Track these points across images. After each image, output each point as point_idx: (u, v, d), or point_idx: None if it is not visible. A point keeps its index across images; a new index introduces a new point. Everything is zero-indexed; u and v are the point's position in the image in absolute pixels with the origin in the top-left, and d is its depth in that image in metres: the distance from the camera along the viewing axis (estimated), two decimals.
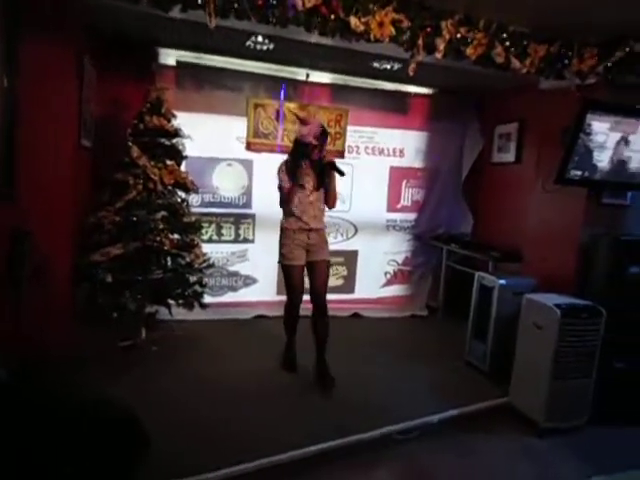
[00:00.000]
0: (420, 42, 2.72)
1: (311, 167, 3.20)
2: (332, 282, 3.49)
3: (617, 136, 3.18)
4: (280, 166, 3.26)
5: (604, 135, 3.15)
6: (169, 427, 2.54)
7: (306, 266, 3.29)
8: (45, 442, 1.53)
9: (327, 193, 3.27)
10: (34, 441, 1.52)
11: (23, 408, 1.64)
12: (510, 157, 4.55)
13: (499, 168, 4.74)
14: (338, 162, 3.22)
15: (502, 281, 3.48)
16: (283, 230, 3.29)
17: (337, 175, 3.20)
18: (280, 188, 3.23)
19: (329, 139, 3.49)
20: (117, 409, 1.86)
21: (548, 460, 2.72)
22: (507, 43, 2.88)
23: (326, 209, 3.35)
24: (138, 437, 1.76)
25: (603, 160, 3.23)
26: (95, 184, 3.59)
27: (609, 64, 3.02)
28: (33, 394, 1.83)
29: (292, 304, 3.34)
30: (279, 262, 3.34)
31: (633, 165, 3.32)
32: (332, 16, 2.53)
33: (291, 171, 3.18)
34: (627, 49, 2.94)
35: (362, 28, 2.61)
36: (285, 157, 3.31)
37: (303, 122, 3.33)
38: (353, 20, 2.57)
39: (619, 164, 3.29)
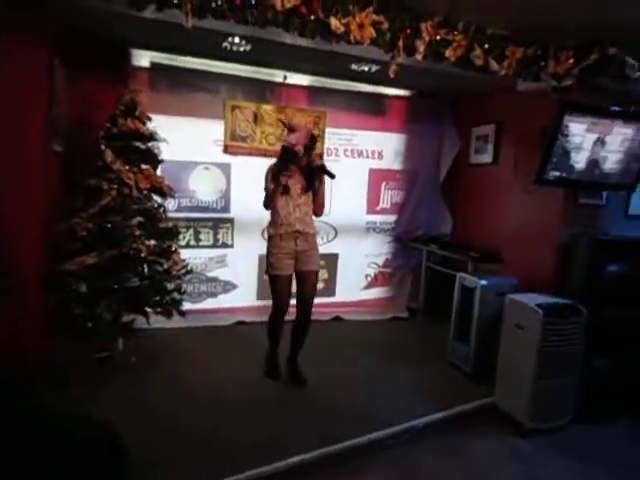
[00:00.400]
0: (400, 44, 2.71)
1: (299, 171, 3.17)
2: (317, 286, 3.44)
3: (593, 137, 3.23)
4: (268, 169, 3.23)
5: (581, 136, 3.20)
6: (149, 438, 2.47)
7: (295, 274, 3.23)
8: (16, 465, 1.43)
9: (315, 198, 3.23)
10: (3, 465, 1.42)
11: None
12: (487, 158, 4.59)
13: (477, 169, 4.78)
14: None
15: (483, 281, 3.50)
16: (270, 238, 3.23)
17: (327, 178, 3.16)
18: (265, 189, 3.20)
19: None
20: (94, 427, 1.77)
21: (535, 461, 2.72)
22: (486, 45, 2.90)
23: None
24: (117, 456, 1.68)
25: (580, 161, 3.28)
26: (67, 190, 3.45)
27: (584, 66, 3.07)
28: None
29: (278, 313, 3.27)
30: (266, 272, 3.27)
31: (608, 166, 3.38)
32: (312, 17, 2.50)
33: (277, 175, 3.14)
34: (602, 52, 2.98)
35: (342, 29, 2.59)
36: (271, 161, 3.29)
37: (291, 129, 3.27)
38: (333, 21, 2.54)
39: (594, 164, 3.34)
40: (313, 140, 3.19)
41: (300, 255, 3.19)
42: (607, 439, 3.01)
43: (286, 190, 3.14)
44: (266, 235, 4.54)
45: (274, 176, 3.15)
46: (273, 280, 3.22)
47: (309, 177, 3.17)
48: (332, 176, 3.14)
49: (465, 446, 2.80)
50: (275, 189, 3.13)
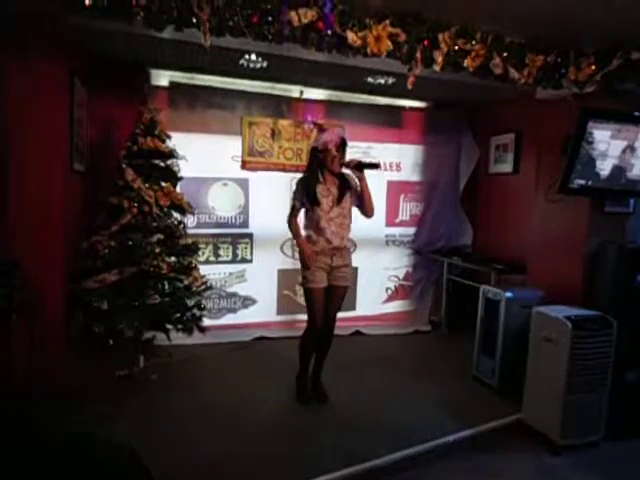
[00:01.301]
0: (418, 55, 2.69)
1: (332, 180, 3.08)
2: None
3: (621, 144, 3.15)
4: (296, 187, 3.13)
5: (606, 143, 3.12)
6: (172, 461, 2.42)
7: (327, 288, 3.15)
8: None
9: (362, 201, 3.11)
10: None
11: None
12: (508, 168, 4.53)
13: (497, 179, 4.71)
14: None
15: (509, 294, 3.41)
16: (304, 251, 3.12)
17: (372, 171, 3.04)
18: (292, 205, 3.10)
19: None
20: (114, 447, 1.74)
21: (566, 479, 2.62)
22: (505, 54, 2.86)
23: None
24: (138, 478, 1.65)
25: (605, 168, 3.20)
26: (88, 209, 3.50)
27: (607, 72, 3.00)
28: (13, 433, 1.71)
29: (313, 327, 3.14)
30: (302, 285, 3.19)
31: (635, 172, 3.29)
32: (329, 31, 2.50)
33: (308, 188, 3.04)
34: (624, 57, 2.92)
35: (359, 43, 2.57)
36: (289, 175, 3.21)
37: (322, 129, 3.22)
38: (350, 35, 2.53)
39: (621, 172, 3.25)
40: (344, 143, 3.06)
41: (334, 270, 3.12)
42: None
43: (316, 202, 3.02)
44: (285, 250, 4.58)
45: (306, 191, 3.04)
46: (308, 293, 3.11)
47: (341, 186, 3.08)
48: (376, 166, 3.03)
49: (494, 464, 2.70)
50: (308, 204, 3.02)
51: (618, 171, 3.24)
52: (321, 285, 3.09)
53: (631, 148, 3.18)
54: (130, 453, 1.78)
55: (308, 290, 3.11)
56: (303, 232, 3.17)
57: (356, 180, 3.11)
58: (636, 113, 3.21)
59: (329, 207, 3.06)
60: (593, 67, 3.00)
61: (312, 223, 3.09)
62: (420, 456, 2.68)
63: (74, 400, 2.87)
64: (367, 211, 3.16)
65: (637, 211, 3.51)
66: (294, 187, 3.19)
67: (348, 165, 3.06)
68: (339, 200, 3.08)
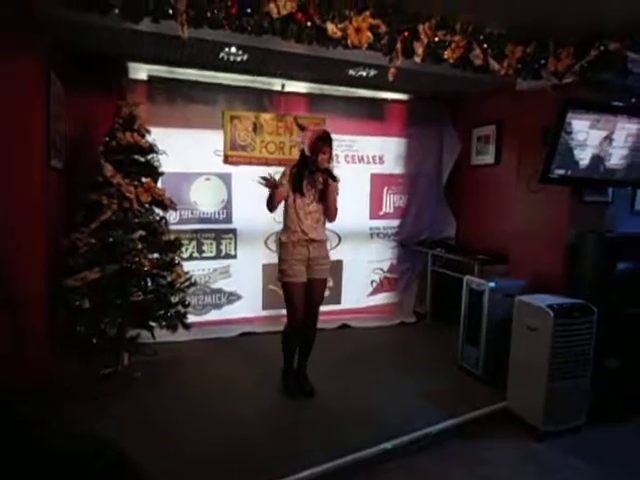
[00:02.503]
0: (398, 47, 2.68)
1: (317, 177, 3.09)
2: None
3: (598, 134, 3.19)
4: (286, 168, 3.19)
5: (584, 133, 3.16)
6: (157, 454, 2.40)
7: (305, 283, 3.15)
8: None
9: (326, 204, 3.13)
10: None
11: None
12: (489, 159, 4.56)
13: (479, 170, 4.75)
14: None
15: (492, 284, 3.45)
16: (282, 244, 3.14)
17: (341, 162, 3.09)
18: (274, 186, 3.04)
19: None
20: (99, 445, 1.71)
21: (551, 464, 2.67)
22: (485, 45, 2.87)
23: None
24: (124, 476, 1.63)
25: (584, 158, 3.24)
26: (68, 206, 3.44)
27: (585, 63, 3.04)
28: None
29: (294, 324, 3.14)
30: (279, 279, 3.19)
31: (613, 162, 3.33)
32: (308, 23, 2.48)
33: (292, 178, 3.09)
34: (602, 47, 2.95)
35: (339, 34, 2.56)
36: (271, 169, 3.24)
37: (302, 129, 3.23)
38: (330, 26, 2.52)
39: (599, 161, 3.30)
40: (322, 139, 3.03)
41: (312, 262, 3.13)
42: (622, 439, 2.95)
43: (301, 194, 3.07)
44: (270, 244, 4.56)
45: (290, 179, 3.09)
46: (286, 288, 3.12)
47: (325, 183, 3.08)
48: (334, 179, 3.07)
49: (480, 452, 2.74)
50: (280, 192, 3.03)
51: (597, 161, 3.28)
52: (300, 280, 3.09)
53: (609, 138, 3.22)
54: (116, 451, 1.75)
55: (287, 284, 3.11)
56: (281, 224, 3.21)
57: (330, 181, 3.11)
58: (614, 103, 3.26)
59: (310, 200, 3.10)
60: (572, 58, 3.03)
61: (290, 215, 3.11)
62: (406, 446, 2.70)
63: (57, 398, 2.83)
64: (329, 215, 3.19)
65: (615, 200, 3.57)
66: (282, 171, 3.17)
67: (321, 165, 3.04)
68: (319, 198, 3.12)
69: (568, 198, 3.42)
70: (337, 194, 3.14)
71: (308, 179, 3.09)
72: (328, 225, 3.30)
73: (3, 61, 2.68)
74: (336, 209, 3.18)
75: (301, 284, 3.10)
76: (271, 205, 3.09)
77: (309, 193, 3.10)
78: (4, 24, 2.64)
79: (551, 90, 3.28)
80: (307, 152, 3.03)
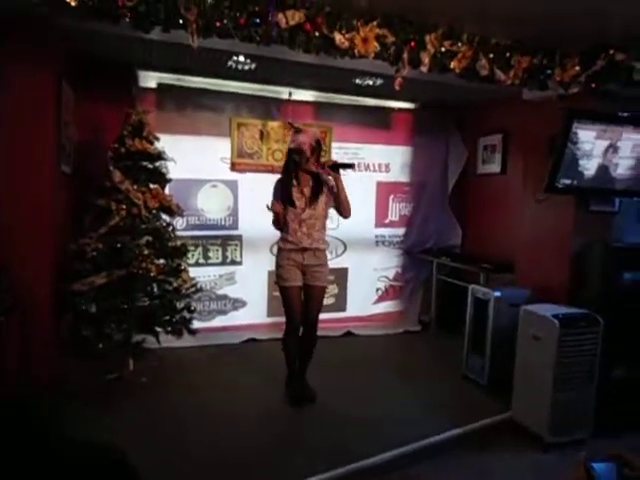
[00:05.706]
0: (405, 56, 2.70)
1: (306, 181, 3.12)
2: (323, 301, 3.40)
3: (604, 144, 3.19)
4: (275, 183, 3.20)
5: (590, 143, 3.16)
6: (161, 460, 2.42)
7: (302, 288, 3.19)
8: None
9: (337, 202, 3.14)
10: None
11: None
12: (496, 168, 4.57)
13: (485, 179, 4.75)
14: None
15: (497, 293, 3.45)
16: (279, 250, 3.22)
17: (348, 171, 3.09)
18: (272, 203, 3.12)
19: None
20: (103, 451, 1.72)
21: (556, 476, 2.63)
22: (491, 55, 2.88)
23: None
24: None
25: (590, 168, 3.24)
26: (76, 211, 3.47)
27: (591, 73, 3.04)
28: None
29: (291, 328, 3.19)
30: (276, 283, 3.25)
31: (619, 172, 3.33)
32: (316, 33, 2.51)
33: (283, 188, 3.10)
34: (608, 58, 2.96)
35: (347, 44, 2.59)
36: (276, 176, 3.25)
37: (298, 131, 3.26)
38: (337, 36, 2.54)
39: (605, 171, 3.30)
40: (319, 145, 3.12)
41: (307, 269, 3.15)
42: (629, 451, 2.91)
43: (291, 203, 3.09)
44: (275, 252, 4.57)
45: (281, 188, 3.11)
46: (283, 291, 3.18)
47: (315, 187, 3.11)
48: (351, 166, 3.07)
49: (484, 463, 2.71)
50: (280, 209, 3.06)
51: (603, 171, 3.28)
52: (295, 283, 3.13)
53: (615, 148, 3.22)
54: (119, 457, 1.76)
55: (283, 288, 3.16)
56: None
57: (333, 181, 3.13)
58: (620, 113, 3.26)
59: (301, 209, 3.11)
60: (578, 68, 3.04)
61: (285, 224, 3.13)
62: (410, 455, 2.69)
63: (64, 403, 2.84)
64: (344, 211, 3.20)
65: (622, 210, 3.56)
66: (273, 189, 3.21)
67: (323, 166, 3.09)
68: (311, 202, 3.12)
69: (574, 208, 3.42)
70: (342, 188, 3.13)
71: (297, 186, 3.12)
72: (333, 232, 3.31)
73: (19, 71, 2.73)
74: (348, 203, 3.17)
75: (297, 287, 3.15)
76: (277, 225, 3.16)
77: (300, 202, 3.11)
78: (22, 37, 2.69)
79: (557, 100, 3.28)
80: (307, 154, 3.04)
